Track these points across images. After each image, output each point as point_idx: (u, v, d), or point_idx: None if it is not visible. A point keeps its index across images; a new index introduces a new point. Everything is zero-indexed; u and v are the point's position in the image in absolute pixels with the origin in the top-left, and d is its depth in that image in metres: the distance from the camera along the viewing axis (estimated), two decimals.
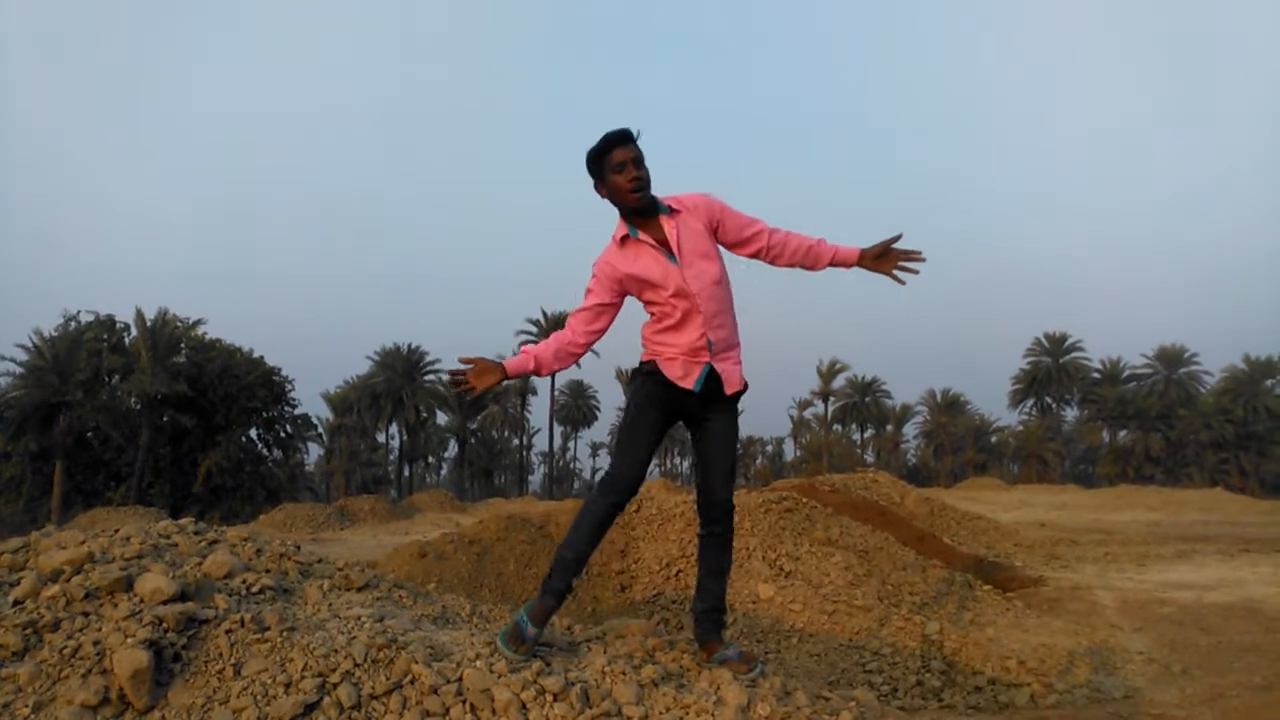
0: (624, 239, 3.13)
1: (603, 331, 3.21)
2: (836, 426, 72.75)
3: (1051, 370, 63.18)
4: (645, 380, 3.16)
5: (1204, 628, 7.06)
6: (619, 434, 3.21)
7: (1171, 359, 60.37)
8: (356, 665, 2.78)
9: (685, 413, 3.20)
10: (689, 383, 3.11)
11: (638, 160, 3.07)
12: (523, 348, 3.22)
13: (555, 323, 55.60)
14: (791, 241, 3.24)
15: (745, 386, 3.23)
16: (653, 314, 3.18)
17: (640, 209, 3.10)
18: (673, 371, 3.11)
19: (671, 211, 3.15)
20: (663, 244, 3.10)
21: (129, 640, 2.75)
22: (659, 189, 3.14)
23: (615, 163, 3.06)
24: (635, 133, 3.09)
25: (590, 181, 3.17)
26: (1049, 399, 64.53)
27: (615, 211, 3.17)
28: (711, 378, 3.13)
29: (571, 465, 77.39)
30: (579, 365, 59.79)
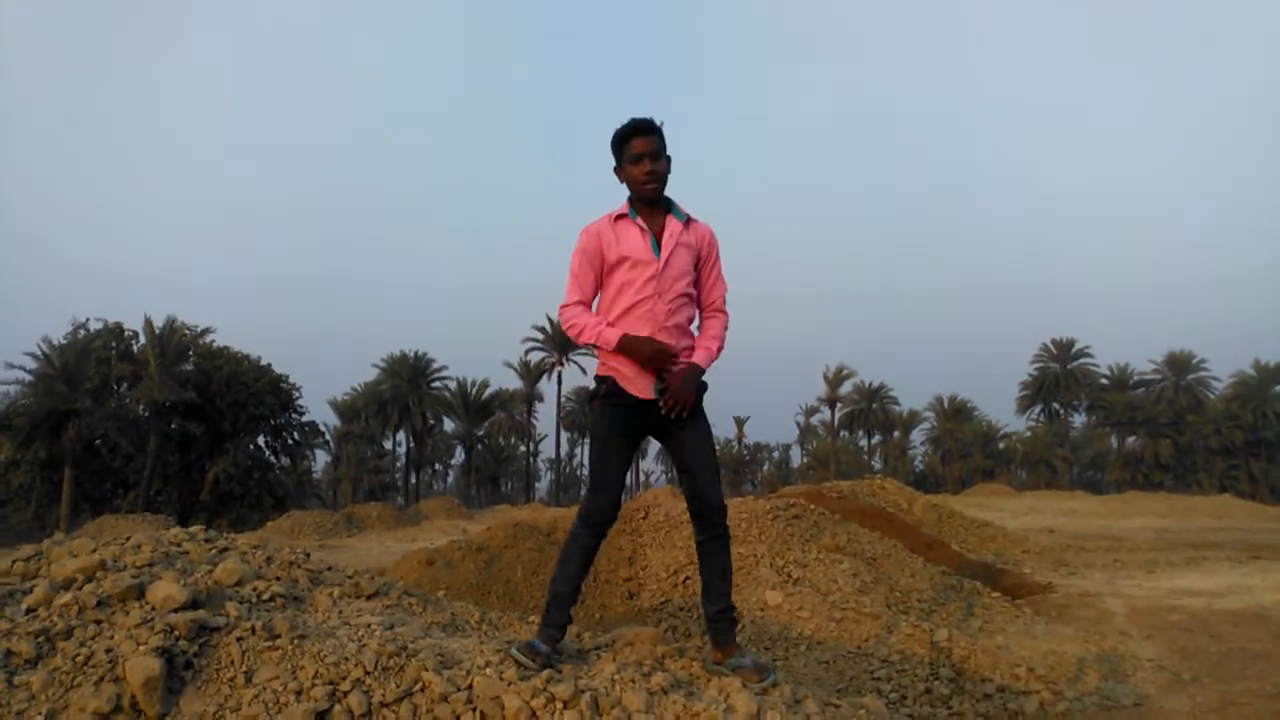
0: (619, 217, 3.15)
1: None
2: (843, 433, 72.68)
3: (1059, 376, 63.09)
4: (604, 405, 3.13)
5: (1214, 635, 7.02)
6: (591, 464, 3.15)
7: (1180, 365, 60.18)
8: (367, 673, 2.79)
9: (652, 426, 3.16)
10: (649, 391, 3.08)
11: (655, 153, 3.10)
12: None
13: (560, 330, 55.68)
14: (707, 327, 3.27)
15: (703, 386, 3.19)
16: (610, 297, 3.15)
17: (652, 200, 3.15)
18: (634, 385, 3.08)
19: (684, 220, 3.19)
20: (654, 235, 3.13)
21: (141, 648, 2.77)
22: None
23: (633, 153, 3.10)
24: (658, 123, 3.11)
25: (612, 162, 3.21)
26: (1057, 405, 64.41)
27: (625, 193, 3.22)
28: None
29: (578, 472, 77.36)
30: (584, 371, 59.97)
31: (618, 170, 3.17)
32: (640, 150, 3.09)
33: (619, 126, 3.12)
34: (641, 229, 3.12)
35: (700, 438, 3.16)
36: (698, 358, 3.16)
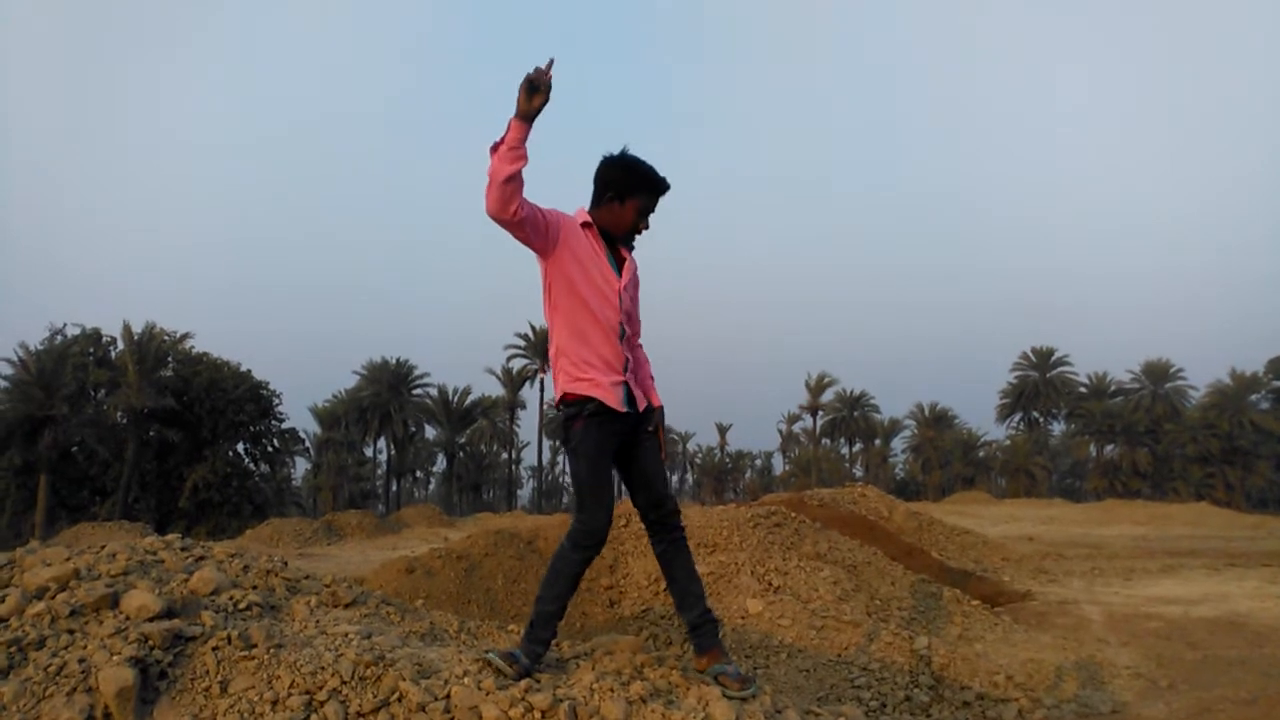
0: (587, 225, 3.16)
1: (522, 220, 2.90)
2: (825, 441, 72.91)
3: (1039, 384, 63.48)
4: (591, 423, 3.08)
5: (1190, 642, 7.08)
6: (583, 485, 3.09)
7: (1158, 373, 60.68)
8: (344, 683, 2.77)
9: (623, 442, 3.18)
10: (623, 404, 3.10)
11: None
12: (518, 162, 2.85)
13: (544, 337, 55.65)
14: (644, 364, 3.35)
15: (651, 404, 3.27)
16: (565, 307, 3.08)
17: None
18: (612, 398, 3.07)
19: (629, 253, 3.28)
20: (615, 259, 3.20)
21: (115, 658, 2.74)
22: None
23: (646, 207, 3.17)
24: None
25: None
26: (1036, 413, 64.80)
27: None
28: (631, 397, 3.16)
29: (560, 480, 77.13)
30: None
31: (612, 196, 3.12)
32: (651, 207, 3.18)
33: (647, 166, 3.13)
34: (601, 246, 3.16)
35: (655, 449, 3.26)
36: (657, 399, 3.30)
